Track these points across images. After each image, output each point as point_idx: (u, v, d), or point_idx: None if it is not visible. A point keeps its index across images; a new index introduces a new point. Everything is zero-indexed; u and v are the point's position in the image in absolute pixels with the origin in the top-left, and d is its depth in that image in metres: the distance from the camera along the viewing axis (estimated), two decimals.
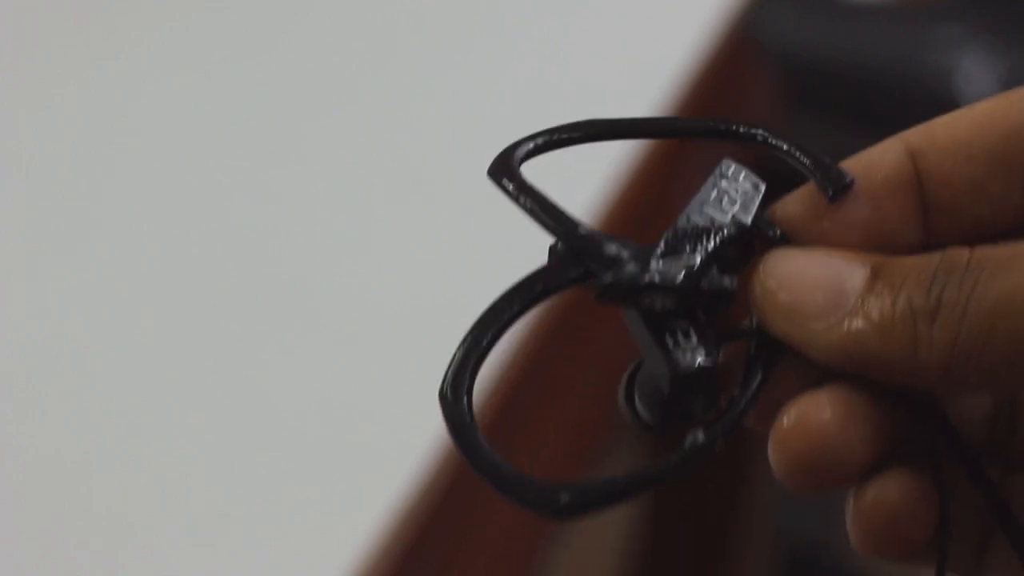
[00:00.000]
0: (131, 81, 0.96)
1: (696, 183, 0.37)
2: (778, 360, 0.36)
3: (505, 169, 0.37)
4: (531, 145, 0.38)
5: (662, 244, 0.36)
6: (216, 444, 0.73)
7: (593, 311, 0.84)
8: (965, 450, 0.37)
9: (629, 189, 0.89)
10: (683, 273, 0.35)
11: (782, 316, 0.36)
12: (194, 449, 0.73)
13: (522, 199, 0.37)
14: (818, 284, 0.35)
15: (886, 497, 0.35)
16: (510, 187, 0.37)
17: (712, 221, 0.36)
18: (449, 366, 0.35)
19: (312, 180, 0.89)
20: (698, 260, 0.36)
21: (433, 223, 0.87)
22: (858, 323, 0.35)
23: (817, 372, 0.36)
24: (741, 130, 0.38)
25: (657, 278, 0.35)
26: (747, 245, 0.37)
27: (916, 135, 0.37)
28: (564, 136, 0.38)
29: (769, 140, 0.38)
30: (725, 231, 0.36)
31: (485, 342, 0.35)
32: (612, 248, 0.36)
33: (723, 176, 0.37)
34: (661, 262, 0.35)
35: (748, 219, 0.37)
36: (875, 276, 0.35)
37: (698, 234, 0.36)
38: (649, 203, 0.90)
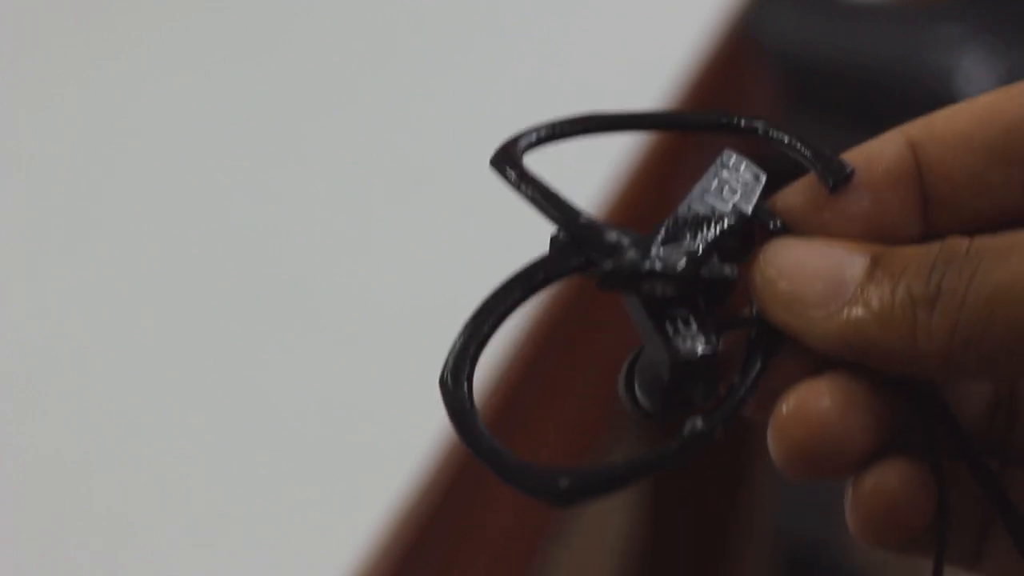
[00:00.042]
0: (131, 81, 0.96)
1: (698, 178, 0.37)
2: (778, 349, 0.36)
3: (507, 159, 0.37)
4: (533, 136, 0.38)
5: (663, 232, 0.36)
6: (216, 444, 0.73)
7: (593, 312, 0.85)
8: (965, 439, 0.37)
9: (631, 184, 0.89)
10: (684, 260, 0.35)
11: (782, 305, 0.36)
12: (194, 449, 0.73)
13: (524, 188, 0.37)
14: (818, 273, 0.35)
15: (885, 485, 0.35)
16: (512, 176, 0.37)
17: (713, 210, 0.37)
18: (449, 353, 0.35)
19: (312, 180, 0.89)
20: (699, 248, 0.36)
21: (433, 223, 0.87)
22: (858, 312, 0.35)
23: (817, 361, 0.36)
24: (742, 123, 0.38)
25: (658, 265, 0.35)
26: (748, 235, 0.37)
27: (917, 128, 0.37)
28: (566, 128, 0.38)
29: (769, 132, 0.38)
30: (726, 220, 0.36)
31: (486, 329, 0.35)
32: (613, 236, 0.36)
33: (724, 166, 0.37)
34: (662, 249, 0.36)
35: (749, 209, 0.37)
36: (875, 265, 0.35)
37: (699, 222, 0.36)
38: (651, 198, 0.90)
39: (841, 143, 0.37)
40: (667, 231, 0.36)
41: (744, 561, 1.36)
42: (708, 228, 0.36)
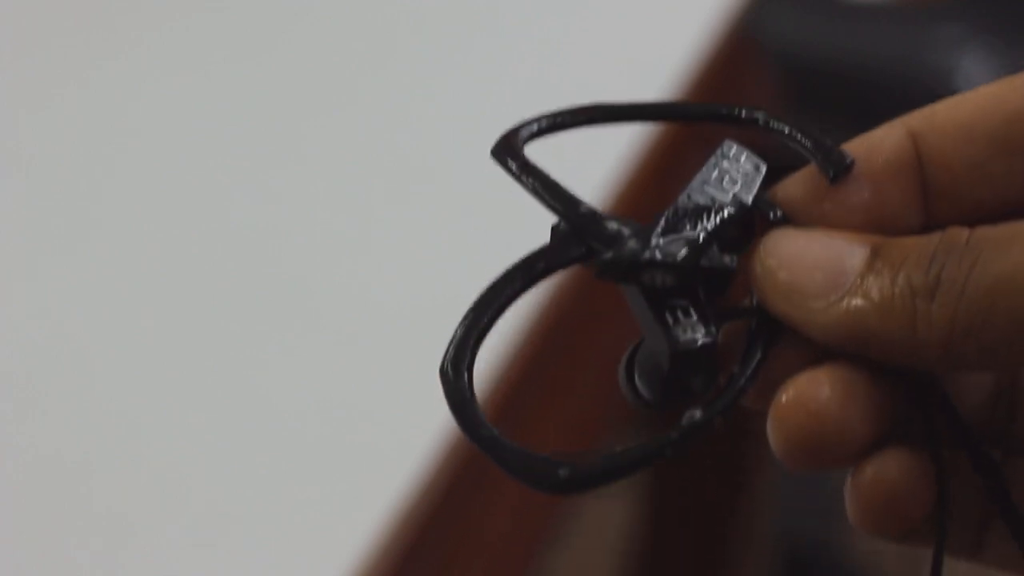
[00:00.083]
0: (131, 81, 0.96)
1: (698, 169, 0.37)
2: (778, 339, 0.36)
3: (508, 149, 0.37)
4: (534, 127, 0.38)
5: (663, 222, 0.36)
6: (216, 444, 0.73)
7: (593, 311, 0.85)
8: (965, 429, 0.37)
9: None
10: (684, 250, 0.35)
11: (782, 295, 0.36)
12: (194, 449, 0.73)
13: (524, 178, 0.37)
14: (818, 264, 0.35)
15: (885, 475, 0.35)
16: (513, 167, 0.37)
17: (713, 200, 0.36)
18: (450, 342, 0.35)
19: (312, 180, 0.89)
20: (699, 237, 0.36)
21: (433, 223, 0.87)
22: (857, 302, 0.35)
23: (817, 351, 0.36)
24: (742, 114, 0.38)
25: (658, 255, 0.35)
26: (748, 225, 0.37)
27: (917, 118, 0.37)
28: (567, 119, 0.38)
29: (770, 123, 0.38)
30: (726, 210, 0.36)
31: (486, 319, 0.35)
32: (613, 226, 0.36)
33: (724, 157, 0.37)
34: (662, 239, 0.36)
35: (749, 199, 0.37)
36: (875, 255, 0.35)
37: (699, 212, 0.36)
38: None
39: (841, 142, 0.38)
40: (667, 221, 0.36)
41: (744, 565, 1.36)
42: (708, 218, 0.36)
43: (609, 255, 0.35)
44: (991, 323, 0.33)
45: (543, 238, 0.37)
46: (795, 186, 0.37)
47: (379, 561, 0.69)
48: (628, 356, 0.37)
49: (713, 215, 0.36)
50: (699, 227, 0.36)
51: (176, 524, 0.70)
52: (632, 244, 0.35)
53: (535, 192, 0.37)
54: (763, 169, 0.37)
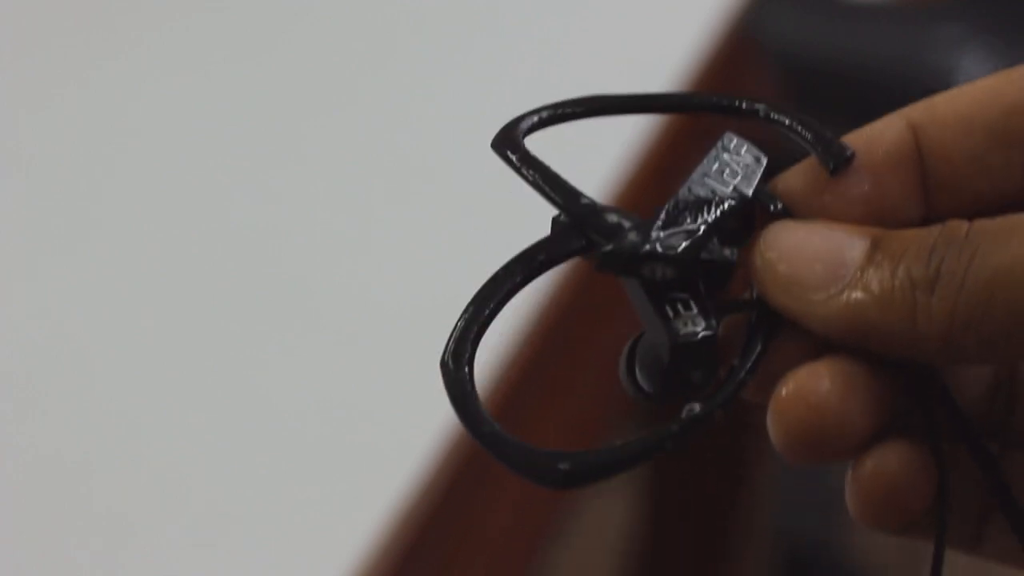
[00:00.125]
0: (131, 81, 0.96)
1: (699, 162, 0.37)
2: (778, 332, 0.36)
3: (508, 141, 0.37)
4: (535, 119, 0.38)
5: (663, 215, 0.36)
6: (216, 444, 0.73)
7: (593, 312, 0.85)
8: (964, 422, 0.37)
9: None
10: (684, 243, 0.35)
11: (782, 288, 0.36)
12: (194, 449, 0.73)
13: (525, 170, 0.37)
14: (818, 256, 0.35)
15: (885, 468, 0.35)
16: (513, 159, 0.37)
17: (714, 192, 0.36)
18: (450, 335, 0.35)
19: (312, 180, 0.89)
20: (699, 230, 0.36)
21: (433, 223, 0.87)
22: (857, 294, 0.35)
23: (817, 344, 0.36)
24: (743, 105, 0.38)
25: (658, 247, 0.35)
26: (748, 217, 0.37)
27: (917, 110, 0.37)
28: (568, 110, 0.38)
29: (771, 115, 0.38)
30: (726, 202, 0.36)
31: (487, 312, 0.35)
32: (613, 218, 0.36)
33: (725, 149, 0.37)
34: (662, 232, 0.36)
35: (750, 191, 0.37)
36: (875, 248, 0.35)
37: (699, 205, 0.36)
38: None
39: (841, 135, 0.37)
40: (668, 214, 0.36)
41: (744, 561, 1.36)
42: (709, 210, 0.36)
43: (609, 248, 0.35)
44: (990, 315, 0.33)
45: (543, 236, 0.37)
46: (795, 178, 0.37)
47: (379, 561, 0.69)
48: (629, 349, 0.37)
49: (713, 207, 0.36)
50: (699, 220, 0.36)
51: (176, 524, 0.70)
52: (632, 237, 0.35)
53: (535, 184, 0.37)
54: (764, 161, 0.37)
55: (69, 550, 0.69)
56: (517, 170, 0.37)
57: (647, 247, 0.35)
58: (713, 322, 0.35)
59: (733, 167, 0.37)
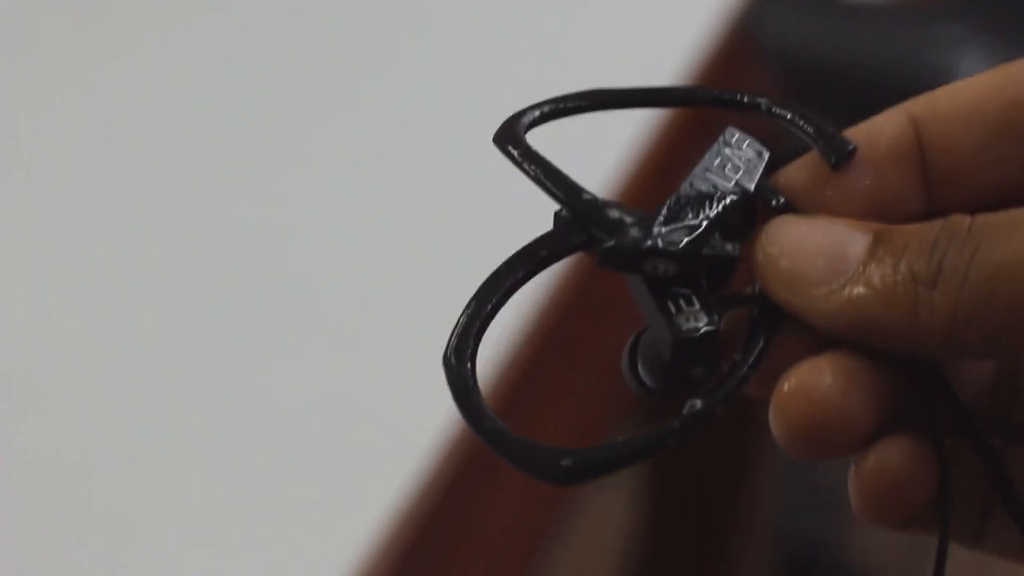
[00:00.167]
0: (131, 81, 0.96)
1: (701, 157, 0.37)
2: (780, 327, 0.36)
3: (510, 136, 0.37)
4: (536, 113, 0.38)
5: (665, 210, 0.36)
6: (216, 444, 0.73)
7: (593, 312, 0.85)
8: (966, 417, 0.37)
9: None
10: (686, 238, 0.35)
11: (784, 283, 0.36)
12: (194, 449, 0.73)
13: (527, 165, 0.37)
14: (820, 251, 0.35)
15: (887, 463, 0.35)
16: (515, 154, 0.37)
17: (715, 187, 0.36)
18: (453, 331, 0.35)
19: (312, 180, 0.89)
20: (701, 225, 0.36)
21: (433, 223, 0.87)
22: (859, 289, 0.35)
23: (819, 339, 0.36)
24: (745, 99, 0.38)
25: (660, 243, 0.35)
26: (750, 212, 0.37)
27: (919, 104, 0.37)
28: (569, 104, 0.38)
29: (772, 109, 0.38)
30: (728, 197, 0.36)
31: (489, 308, 0.35)
32: (615, 213, 0.36)
33: (727, 144, 0.37)
34: (664, 227, 0.36)
35: (751, 186, 0.37)
36: (877, 243, 0.35)
37: (701, 200, 0.36)
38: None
39: (843, 129, 0.37)
40: (669, 209, 0.36)
41: (744, 561, 1.36)
42: (710, 206, 0.36)
43: (611, 243, 0.35)
44: (992, 310, 0.33)
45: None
46: (797, 172, 0.37)
47: (379, 561, 0.69)
48: (631, 344, 0.37)
49: (715, 203, 0.36)
50: (701, 215, 0.36)
51: (176, 524, 0.70)
52: (634, 232, 0.35)
53: (537, 179, 0.37)
54: (765, 156, 0.37)
55: (69, 550, 0.69)
56: (519, 165, 0.37)
57: (649, 243, 0.35)
58: (715, 317, 0.35)
59: (735, 162, 0.37)
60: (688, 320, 0.35)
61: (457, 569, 0.76)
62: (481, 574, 0.79)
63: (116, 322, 0.79)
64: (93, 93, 0.95)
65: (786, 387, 0.35)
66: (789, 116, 0.37)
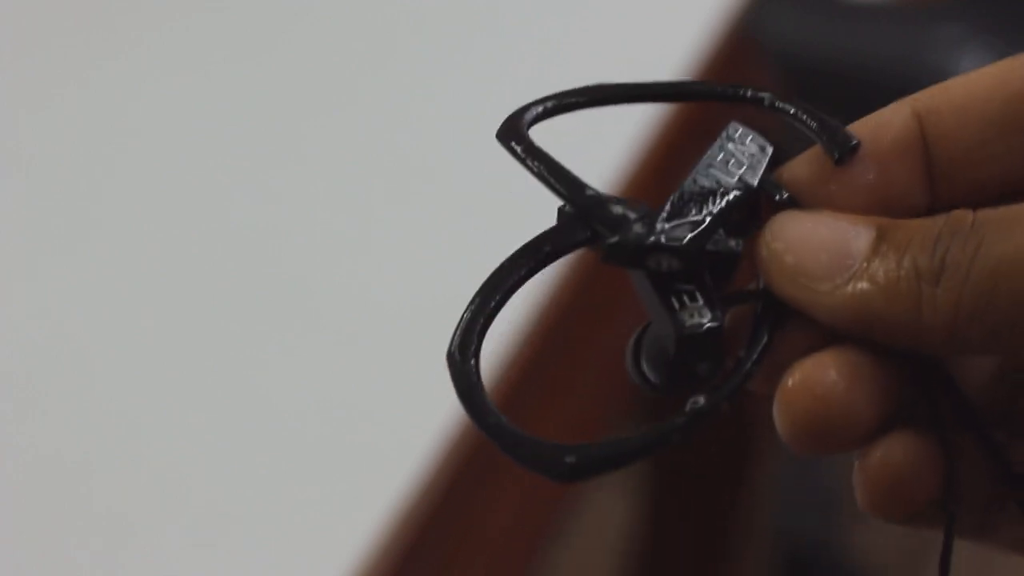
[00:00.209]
0: (131, 81, 0.96)
1: (704, 152, 0.37)
2: (784, 323, 0.36)
3: (513, 132, 0.37)
4: (540, 109, 0.38)
5: (668, 206, 0.36)
6: (216, 444, 0.73)
7: (593, 311, 0.85)
8: (971, 411, 0.37)
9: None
10: (689, 234, 0.35)
11: (788, 278, 0.36)
12: (194, 449, 0.73)
13: (530, 161, 0.37)
14: (824, 246, 0.35)
15: (891, 458, 0.35)
16: (518, 150, 0.37)
17: (718, 183, 0.36)
18: (457, 327, 0.35)
19: (312, 180, 0.89)
20: (704, 221, 0.36)
21: (433, 223, 0.87)
22: (863, 285, 0.35)
23: (823, 335, 0.36)
24: (748, 94, 0.38)
25: (663, 239, 0.35)
26: (753, 207, 0.37)
27: (923, 98, 0.37)
28: (572, 100, 0.38)
29: (776, 103, 0.38)
30: (732, 193, 0.36)
31: (493, 304, 0.35)
32: (618, 209, 0.36)
33: (730, 139, 0.37)
34: (667, 223, 0.35)
35: (755, 181, 0.37)
36: (880, 238, 0.35)
37: (704, 196, 0.36)
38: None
39: (846, 123, 0.37)
40: (673, 205, 0.36)
41: (744, 561, 1.36)
42: (714, 201, 0.36)
43: (615, 239, 0.35)
44: (995, 306, 0.33)
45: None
46: (801, 167, 0.37)
47: (379, 561, 0.69)
48: (635, 339, 0.37)
49: (719, 198, 0.36)
50: (705, 211, 0.36)
51: (176, 524, 0.70)
52: (638, 228, 0.35)
53: (540, 175, 0.37)
54: (769, 151, 0.37)
55: (69, 550, 0.69)
56: (522, 161, 0.37)
57: (652, 239, 0.35)
58: (719, 313, 0.35)
59: (738, 157, 0.37)
60: (692, 316, 0.35)
61: (457, 569, 0.76)
62: (481, 574, 0.79)
63: (116, 322, 0.79)
64: (93, 93, 0.95)
65: (790, 383, 0.35)
66: (792, 111, 0.37)
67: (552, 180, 0.36)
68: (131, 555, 0.69)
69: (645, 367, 0.36)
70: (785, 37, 1.22)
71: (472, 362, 0.35)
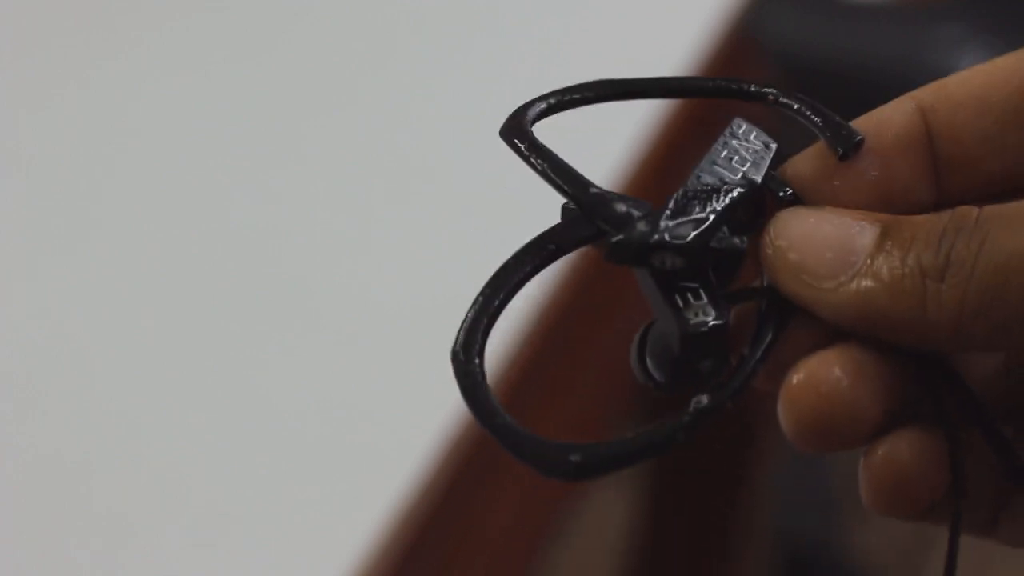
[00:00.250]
0: (131, 81, 0.96)
1: (708, 149, 0.37)
2: (788, 320, 0.36)
3: (516, 130, 0.37)
4: (543, 105, 0.38)
5: (672, 203, 0.36)
6: (216, 444, 0.73)
7: (594, 311, 0.85)
8: (978, 406, 0.36)
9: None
10: (693, 232, 0.35)
11: (792, 275, 0.36)
12: (194, 449, 0.73)
13: (534, 159, 0.37)
14: (828, 243, 0.35)
15: (897, 456, 0.35)
16: (522, 147, 0.37)
17: (722, 180, 0.36)
18: (461, 326, 0.35)
19: (312, 180, 0.89)
20: (708, 219, 0.36)
21: (433, 223, 0.86)
22: (867, 282, 0.35)
23: (828, 332, 0.36)
24: (752, 89, 0.38)
25: (667, 237, 0.35)
26: (758, 204, 0.36)
27: (927, 92, 0.37)
28: (575, 96, 0.38)
29: (780, 99, 0.38)
30: (735, 190, 0.36)
31: (497, 302, 0.35)
32: (622, 207, 0.36)
33: (734, 135, 0.37)
34: (671, 221, 0.35)
35: (759, 178, 0.36)
36: (885, 235, 0.35)
37: (708, 193, 0.36)
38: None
39: (849, 120, 0.37)
40: (676, 203, 0.36)
41: (744, 561, 1.36)
42: (718, 199, 0.36)
43: (618, 238, 0.35)
44: (1000, 301, 0.33)
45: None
46: (805, 164, 0.37)
47: (379, 561, 0.69)
48: (639, 337, 0.37)
49: (723, 195, 0.36)
50: (708, 208, 0.36)
51: (176, 524, 0.70)
52: (641, 226, 0.35)
53: (543, 173, 0.36)
54: (773, 147, 0.37)
55: (69, 550, 0.69)
56: (525, 159, 0.37)
57: (656, 237, 0.35)
58: (723, 311, 0.35)
59: (742, 154, 0.37)
60: (696, 314, 0.35)
61: (457, 569, 0.76)
62: (481, 574, 0.79)
63: (116, 322, 0.79)
64: (93, 93, 0.95)
65: (795, 380, 0.35)
66: (796, 106, 0.37)
67: (556, 177, 0.36)
68: (131, 555, 0.69)
69: (649, 365, 0.36)
70: (785, 37, 1.22)
71: (476, 361, 0.35)
